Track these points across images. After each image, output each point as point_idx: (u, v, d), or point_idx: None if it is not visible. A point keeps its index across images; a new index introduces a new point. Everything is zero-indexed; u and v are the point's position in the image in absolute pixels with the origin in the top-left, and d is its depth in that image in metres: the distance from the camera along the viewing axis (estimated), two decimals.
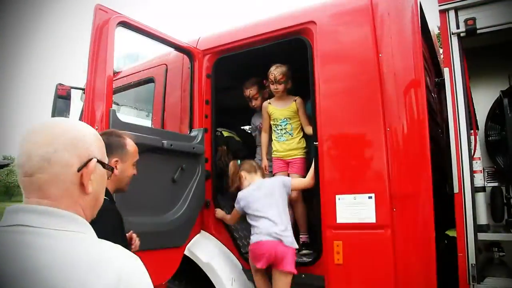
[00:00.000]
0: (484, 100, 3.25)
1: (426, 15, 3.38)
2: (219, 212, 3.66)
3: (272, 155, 3.91)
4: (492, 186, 3.17)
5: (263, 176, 3.49)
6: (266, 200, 3.27)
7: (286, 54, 3.67)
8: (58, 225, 1.02)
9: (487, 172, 3.27)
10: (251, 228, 3.31)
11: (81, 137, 1.11)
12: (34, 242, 0.97)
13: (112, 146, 2.25)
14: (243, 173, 3.47)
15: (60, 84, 3.87)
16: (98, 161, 1.14)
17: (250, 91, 4.17)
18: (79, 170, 1.08)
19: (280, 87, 3.78)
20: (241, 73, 4.21)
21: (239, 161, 3.56)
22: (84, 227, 1.09)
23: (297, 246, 3.24)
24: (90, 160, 1.10)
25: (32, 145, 1.05)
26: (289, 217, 3.35)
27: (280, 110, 3.85)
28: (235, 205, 3.43)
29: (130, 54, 4.81)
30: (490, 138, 3.17)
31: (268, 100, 3.99)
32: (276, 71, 3.74)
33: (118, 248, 1.06)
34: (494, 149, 3.17)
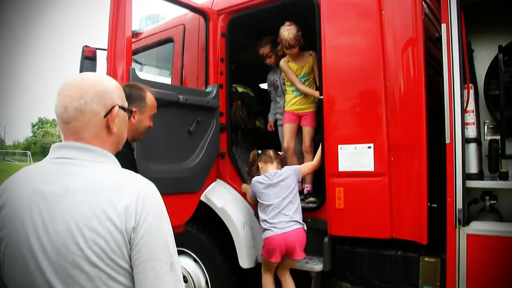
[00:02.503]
0: (489, 55, 3.32)
1: None
2: (244, 186, 3.88)
3: (285, 108, 4.11)
4: (490, 139, 3.30)
5: (280, 166, 3.61)
6: (275, 189, 3.41)
7: (297, 12, 3.79)
8: (91, 158, 1.31)
9: (487, 125, 3.41)
10: (260, 221, 3.47)
11: (105, 89, 1.36)
12: (73, 170, 1.28)
13: (133, 97, 2.49)
14: (260, 164, 3.63)
15: (86, 46, 4.15)
16: (120, 107, 1.40)
17: (264, 50, 4.32)
18: (105, 116, 1.34)
19: (295, 50, 3.89)
20: (255, 32, 4.38)
21: (259, 151, 3.70)
22: (111, 159, 1.38)
23: (304, 226, 3.37)
24: (113, 107, 1.36)
25: (67, 98, 1.31)
26: (299, 204, 3.47)
27: (300, 67, 3.97)
28: (250, 192, 3.61)
29: (151, 15, 5.02)
30: (490, 92, 3.27)
31: (286, 58, 4.03)
32: (288, 37, 3.79)
33: (138, 176, 1.36)
34: (493, 103, 3.28)
